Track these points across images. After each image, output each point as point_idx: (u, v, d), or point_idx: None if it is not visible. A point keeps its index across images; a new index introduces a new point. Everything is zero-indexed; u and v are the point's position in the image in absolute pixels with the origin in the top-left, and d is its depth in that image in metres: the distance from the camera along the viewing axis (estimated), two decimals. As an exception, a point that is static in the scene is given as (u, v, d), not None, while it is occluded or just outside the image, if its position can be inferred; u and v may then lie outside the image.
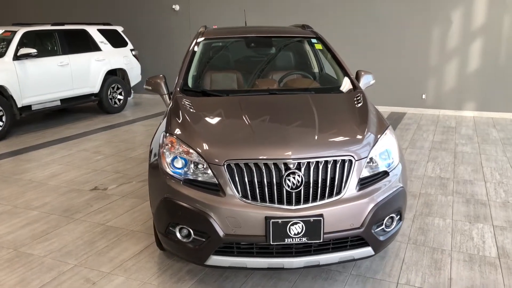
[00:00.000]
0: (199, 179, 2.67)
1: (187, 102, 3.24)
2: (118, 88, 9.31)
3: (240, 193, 2.56)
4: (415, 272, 3.01)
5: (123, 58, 9.38)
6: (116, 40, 9.36)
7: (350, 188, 2.61)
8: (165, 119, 3.25)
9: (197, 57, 3.84)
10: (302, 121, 2.93)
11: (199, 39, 4.02)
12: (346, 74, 3.74)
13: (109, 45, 9.10)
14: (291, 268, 2.64)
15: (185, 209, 2.62)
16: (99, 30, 9.05)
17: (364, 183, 2.68)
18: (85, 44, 8.65)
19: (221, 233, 2.54)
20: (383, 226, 2.75)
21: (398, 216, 2.85)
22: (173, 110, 3.17)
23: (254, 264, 2.61)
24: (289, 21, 9.20)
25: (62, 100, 8.17)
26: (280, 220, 2.47)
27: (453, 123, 7.93)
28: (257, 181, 2.54)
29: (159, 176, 2.80)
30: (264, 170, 2.54)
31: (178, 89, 3.48)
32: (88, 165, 5.59)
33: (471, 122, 7.99)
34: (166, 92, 3.76)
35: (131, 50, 9.67)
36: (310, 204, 2.54)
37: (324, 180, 2.58)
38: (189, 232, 2.66)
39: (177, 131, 2.88)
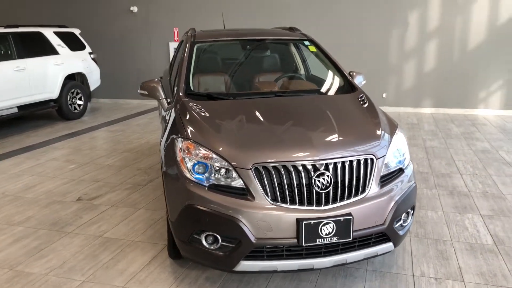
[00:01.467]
0: (225, 183, 2.63)
1: (196, 106, 3.17)
2: (77, 93, 8.91)
3: (270, 196, 2.55)
4: (426, 264, 3.15)
5: (81, 61, 9.00)
6: (73, 43, 8.96)
7: (373, 186, 2.69)
8: (171, 124, 3.16)
9: (194, 61, 3.77)
10: (320, 122, 2.97)
11: (195, 43, 3.93)
12: (343, 75, 3.83)
13: (66, 49, 8.69)
14: (320, 268, 2.67)
15: (212, 216, 2.57)
16: (55, 33, 8.62)
17: (383, 181, 2.77)
18: (41, 47, 8.20)
19: (252, 237, 2.52)
20: (401, 221, 2.85)
21: (412, 211, 2.97)
22: (183, 115, 3.09)
23: (284, 267, 2.61)
24: (251, 23, 9.27)
25: (19, 107, 7.71)
26: (312, 221, 2.49)
27: (414, 119, 8.34)
28: (287, 183, 2.55)
29: (179, 183, 2.72)
30: (293, 172, 2.55)
31: (181, 93, 3.40)
32: (64, 175, 5.31)
33: (430, 118, 8.44)
34: (163, 97, 3.66)
35: (90, 53, 9.30)
36: (338, 204, 2.58)
37: (350, 180, 2.63)
38: (217, 238, 2.61)
39: (195, 136, 2.81)
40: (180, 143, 2.82)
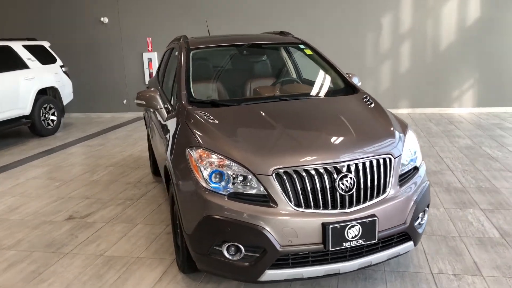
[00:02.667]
0: (245, 191, 2.54)
1: (203, 114, 3.07)
2: (50, 108, 8.56)
3: (293, 201, 2.48)
4: (441, 261, 3.15)
5: (53, 75, 8.67)
6: (43, 57, 8.63)
7: (393, 186, 2.67)
8: (177, 134, 3.05)
9: (191, 68, 3.66)
10: (333, 124, 2.93)
11: (190, 49, 3.83)
12: (342, 76, 3.82)
13: (37, 62, 8.36)
14: (345, 272, 2.62)
15: (234, 225, 2.47)
16: (24, 46, 8.28)
17: (401, 180, 2.75)
18: (11, 62, 7.85)
19: (277, 245, 2.44)
20: (419, 220, 2.84)
21: (427, 209, 2.97)
22: (191, 123, 2.98)
23: (311, 273, 2.54)
24: (224, 30, 9.21)
25: (-10, 125, 7.33)
26: (338, 225, 2.44)
27: (394, 120, 8.47)
28: (309, 187, 2.49)
29: (195, 194, 2.61)
30: (315, 176, 2.50)
31: (184, 101, 3.28)
32: (49, 194, 5.05)
33: (408, 118, 8.61)
34: (162, 106, 3.53)
35: (61, 66, 8.98)
36: (362, 206, 2.54)
37: (371, 180, 2.60)
38: (239, 249, 2.52)
39: (208, 144, 2.71)
40: (193, 153, 2.71)
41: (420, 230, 2.84)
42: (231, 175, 2.56)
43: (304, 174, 2.50)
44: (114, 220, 4.21)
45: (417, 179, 2.83)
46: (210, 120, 2.98)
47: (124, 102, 10.48)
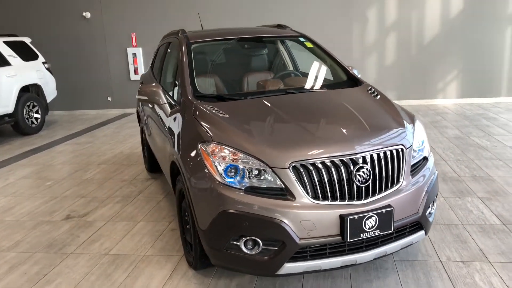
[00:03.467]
0: (261, 185, 2.53)
1: (211, 108, 3.04)
2: (34, 106, 8.35)
3: (310, 194, 2.48)
4: (448, 249, 3.21)
5: (36, 72, 8.45)
6: (25, 53, 8.41)
7: (406, 176, 2.70)
8: (186, 129, 3.01)
9: (194, 62, 3.61)
10: (345, 116, 2.94)
11: (191, 44, 3.77)
12: (344, 69, 3.84)
13: (18, 59, 8.14)
14: (362, 263, 2.64)
15: (252, 219, 2.46)
16: (5, 43, 8.03)
17: (412, 170, 2.79)
18: (-8, 59, 7.61)
19: (296, 238, 2.44)
20: (429, 209, 2.88)
21: (436, 198, 3.01)
22: (200, 118, 2.94)
23: (328, 265, 2.55)
24: (212, 24, 9.13)
25: (-28, 125, 7.10)
26: (356, 216, 2.45)
27: (381, 112, 8.57)
28: (327, 179, 2.49)
29: (210, 189, 2.58)
30: (332, 168, 2.50)
31: (189, 96, 3.24)
32: (42, 193, 4.93)
33: (396, 110, 8.71)
34: (165, 101, 3.48)
35: (43, 63, 8.75)
36: (378, 196, 2.56)
37: (386, 171, 2.62)
38: (257, 243, 2.51)
39: (222, 138, 2.68)
40: (205, 147, 2.68)
41: (431, 219, 2.88)
42: (247, 169, 2.55)
43: (321, 166, 2.50)
44: (114, 218, 4.14)
45: (427, 169, 2.87)
46: (220, 114, 2.95)
47: (109, 98, 10.29)
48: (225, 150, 2.61)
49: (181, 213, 3.26)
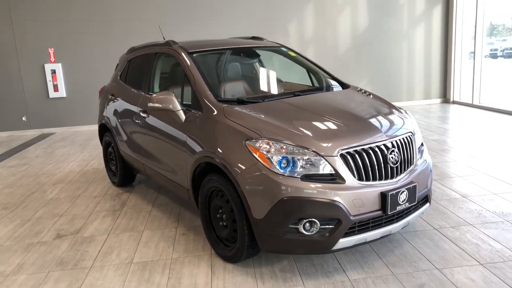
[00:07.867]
0: (313, 172, 2.85)
1: (242, 110, 3.28)
2: None
3: (356, 176, 2.88)
4: (435, 220, 3.83)
5: None
6: None
7: (418, 157, 3.26)
8: (220, 130, 3.18)
9: (204, 69, 3.79)
10: (362, 110, 3.41)
11: (191, 53, 3.95)
12: (329, 74, 4.35)
13: None
14: (394, 233, 3.11)
15: (311, 202, 2.77)
16: None
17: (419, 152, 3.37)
18: None
19: (350, 215, 2.81)
20: (431, 184, 3.48)
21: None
22: (237, 119, 3.15)
23: (372, 236, 2.96)
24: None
25: None
26: (394, 192, 2.92)
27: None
28: (369, 163, 2.92)
29: (266, 181, 2.83)
30: (371, 153, 2.94)
31: (213, 101, 3.43)
32: (8, 218, 4.55)
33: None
34: (179, 108, 3.60)
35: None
36: (404, 175, 3.06)
37: (406, 153, 3.15)
38: (314, 223, 2.81)
39: (270, 134, 2.93)
40: (254, 144, 2.92)
41: (431, 193, 3.48)
42: (298, 160, 2.86)
43: (363, 152, 2.92)
44: (113, 231, 4.05)
45: (425, 152, 3.48)
46: (254, 115, 3.20)
47: (24, 118, 9.52)
48: (276, 145, 2.89)
49: (209, 213, 3.42)
